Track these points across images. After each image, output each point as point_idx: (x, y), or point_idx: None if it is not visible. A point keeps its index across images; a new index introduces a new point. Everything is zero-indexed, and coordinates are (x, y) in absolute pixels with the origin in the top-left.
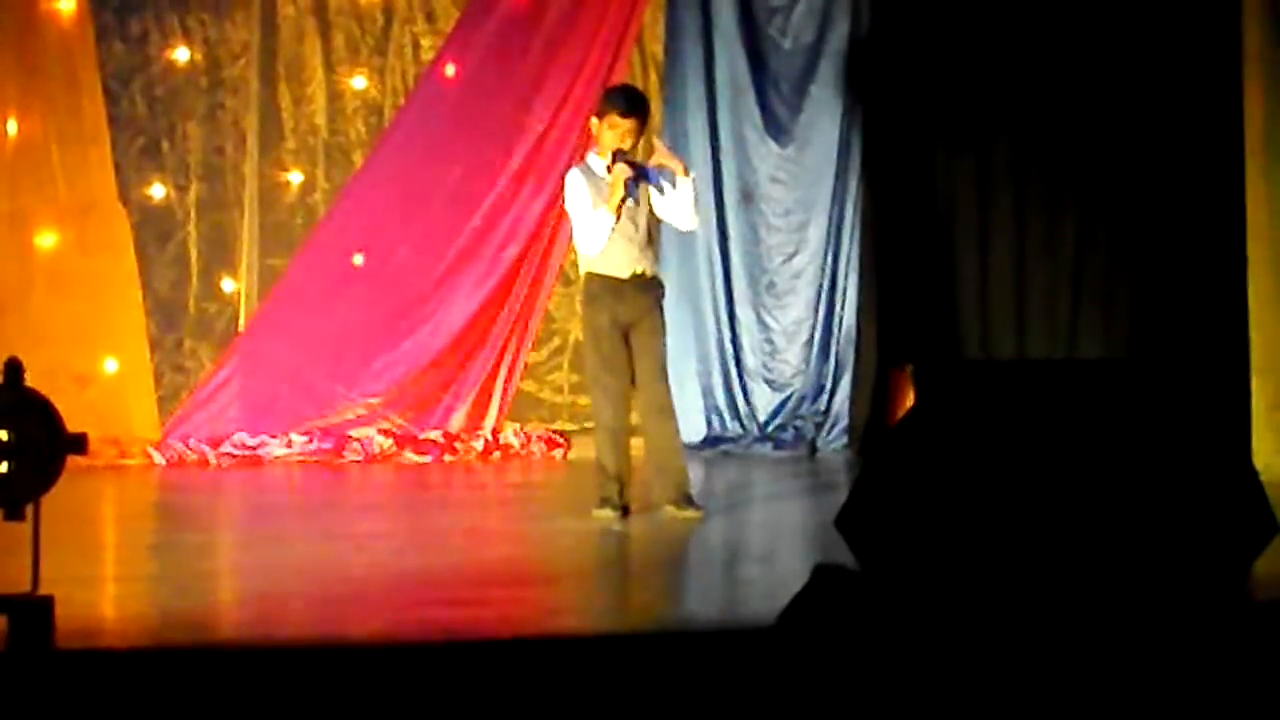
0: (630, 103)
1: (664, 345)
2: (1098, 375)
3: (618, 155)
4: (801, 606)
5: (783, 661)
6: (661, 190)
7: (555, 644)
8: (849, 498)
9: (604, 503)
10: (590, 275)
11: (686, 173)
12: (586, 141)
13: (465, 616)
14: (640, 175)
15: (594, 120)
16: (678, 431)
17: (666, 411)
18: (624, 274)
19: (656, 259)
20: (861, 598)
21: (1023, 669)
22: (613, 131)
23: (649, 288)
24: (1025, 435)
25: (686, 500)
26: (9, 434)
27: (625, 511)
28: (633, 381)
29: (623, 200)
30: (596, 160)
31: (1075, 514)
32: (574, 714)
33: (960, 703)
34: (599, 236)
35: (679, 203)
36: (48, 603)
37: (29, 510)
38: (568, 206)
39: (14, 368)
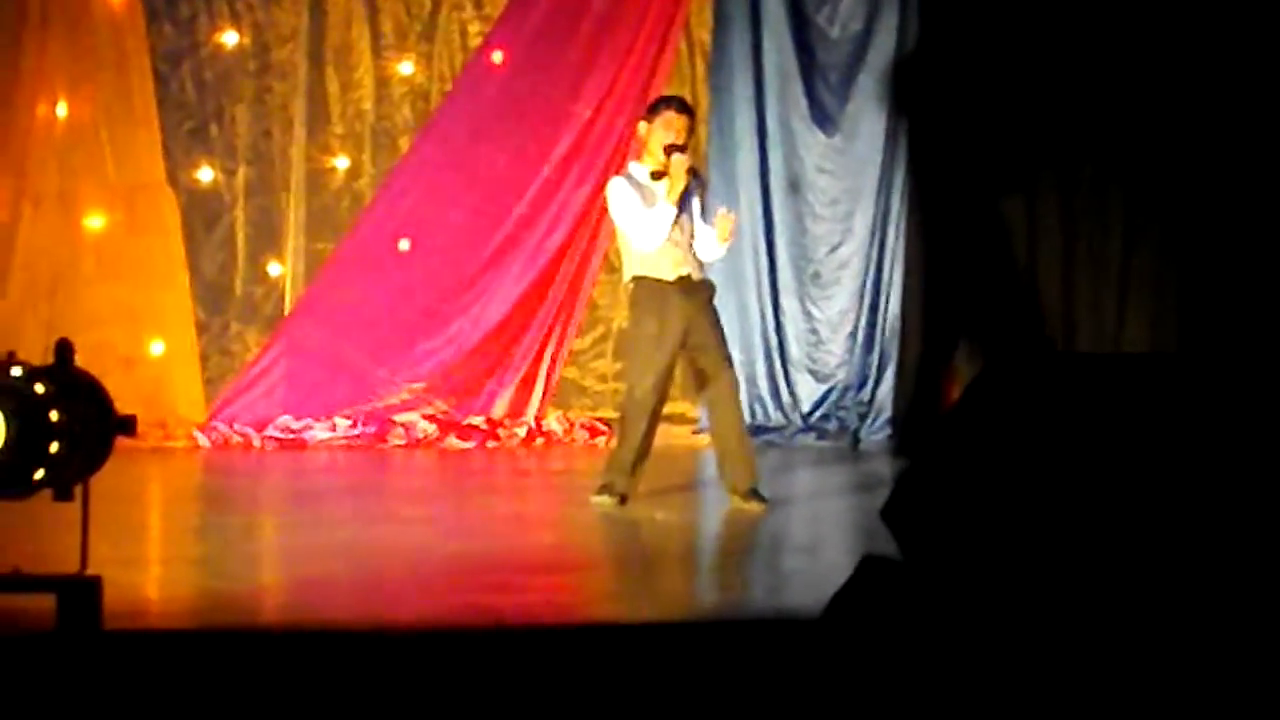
0: (683, 102)
1: (724, 337)
2: (1148, 369)
3: (673, 149)
4: (848, 598)
5: (829, 652)
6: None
7: (601, 631)
8: (895, 489)
9: (604, 489)
10: (637, 281)
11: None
12: (632, 132)
13: (511, 603)
14: (693, 173)
15: (642, 124)
16: (744, 422)
17: (736, 402)
18: (670, 276)
19: (701, 264)
20: (907, 589)
21: (1065, 664)
22: (667, 130)
23: (697, 290)
24: (1075, 429)
25: (754, 493)
26: (59, 415)
27: (623, 500)
28: (699, 377)
29: (683, 191)
30: (639, 168)
31: (1124, 509)
32: (619, 702)
33: (1004, 696)
34: (659, 229)
35: (711, 239)
36: (95, 583)
37: (77, 491)
38: (615, 211)
39: (64, 349)
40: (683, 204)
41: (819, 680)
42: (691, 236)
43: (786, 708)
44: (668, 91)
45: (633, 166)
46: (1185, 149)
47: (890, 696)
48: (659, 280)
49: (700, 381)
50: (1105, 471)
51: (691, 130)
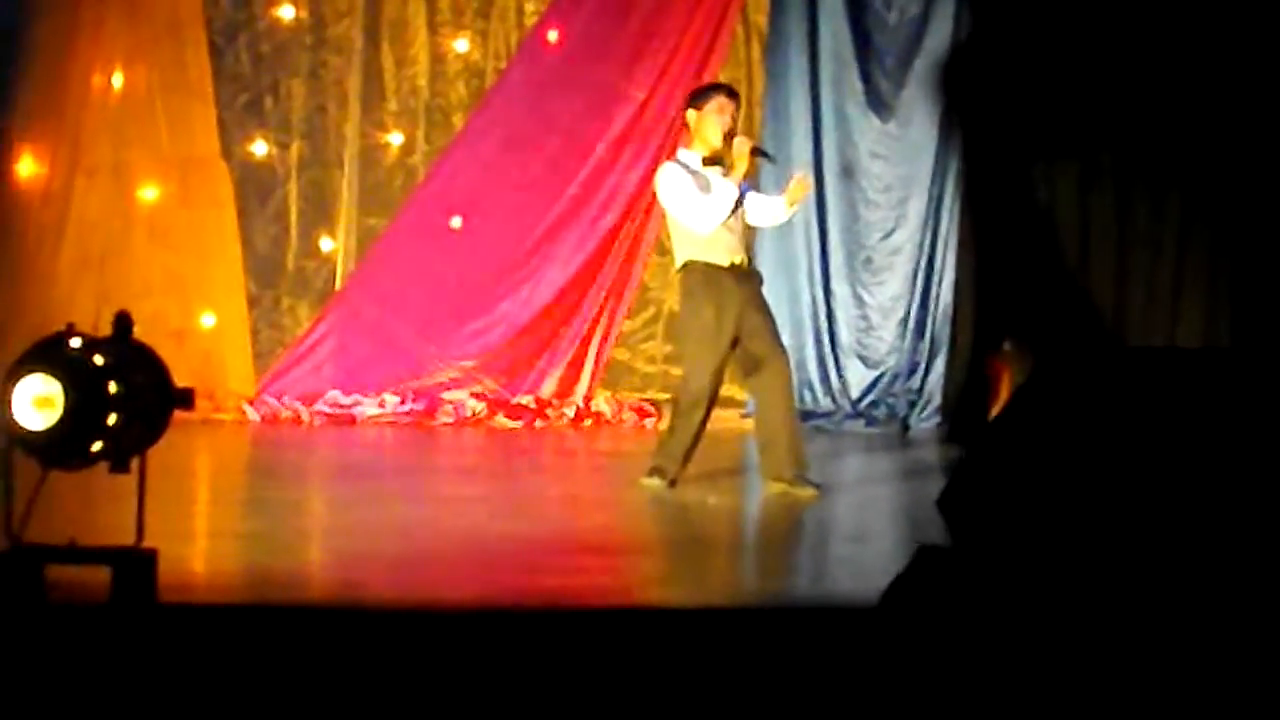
0: (731, 89)
1: (775, 322)
2: (1205, 365)
3: (732, 133)
4: (903, 588)
5: (883, 641)
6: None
7: (653, 615)
8: (951, 479)
9: (655, 472)
10: (690, 265)
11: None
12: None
13: (563, 584)
14: (757, 153)
15: (691, 113)
16: (795, 408)
17: (788, 388)
18: (724, 262)
19: (751, 253)
20: (962, 580)
21: (1119, 656)
22: (720, 115)
23: (748, 277)
24: (1133, 423)
25: (803, 479)
26: (118, 386)
27: (672, 483)
28: (750, 362)
29: (746, 174)
30: (689, 154)
31: (1179, 503)
32: (671, 685)
33: (1056, 687)
34: (721, 209)
35: (771, 203)
36: (151, 556)
37: (133, 463)
38: (667, 196)
39: (123, 321)
40: (741, 190)
41: (872, 669)
42: (745, 225)
43: (838, 696)
44: (722, 75)
45: (682, 153)
46: (1241, 141)
47: (944, 685)
48: (713, 265)
49: (751, 367)
50: (1161, 466)
51: (737, 110)
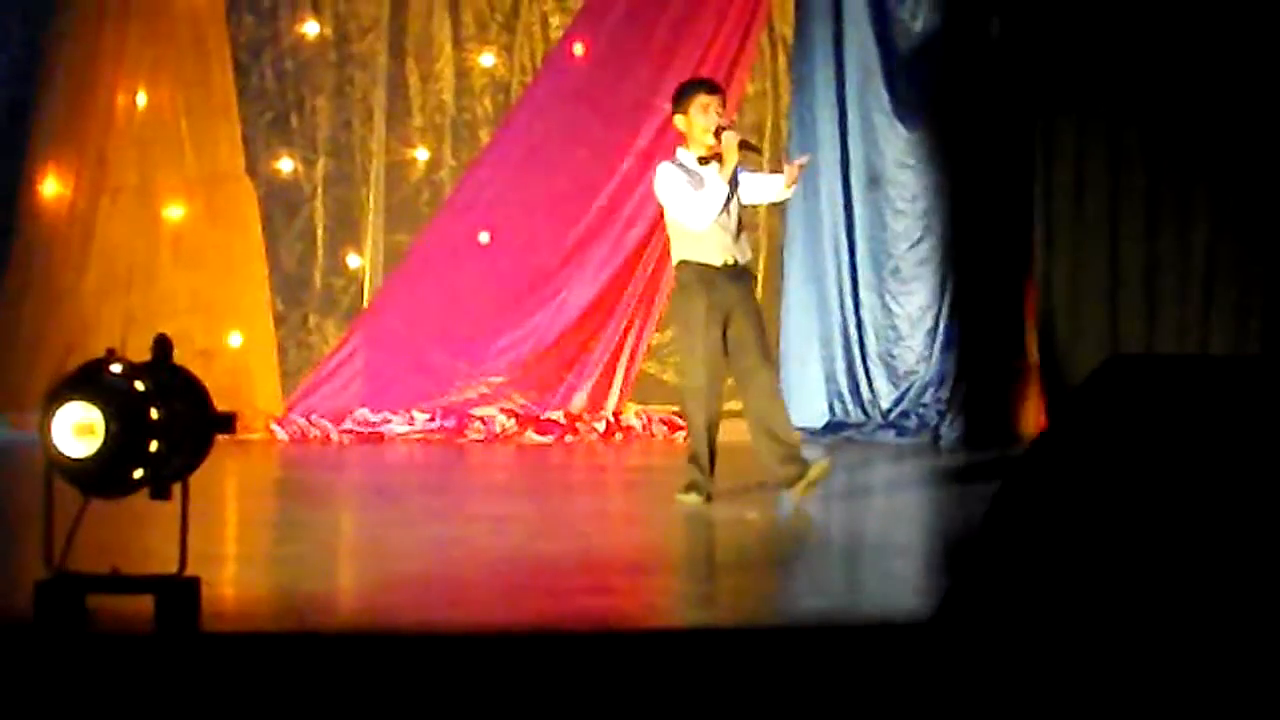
0: (711, 83)
1: (763, 328)
2: (1247, 373)
3: (721, 127)
4: (955, 603)
5: (932, 659)
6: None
7: (703, 635)
8: (997, 494)
9: (690, 488)
10: (684, 264)
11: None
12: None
13: (608, 605)
14: (745, 146)
15: (678, 118)
16: (785, 413)
17: (777, 395)
18: (718, 261)
19: (746, 250)
20: (1012, 596)
21: (1173, 670)
22: (705, 114)
23: (741, 276)
24: (1182, 433)
25: (801, 464)
26: (159, 412)
27: (709, 498)
28: (737, 372)
29: (735, 168)
30: (686, 154)
31: (1227, 514)
32: (725, 705)
33: (1106, 701)
34: (712, 206)
35: (770, 181)
36: (194, 584)
37: (174, 489)
38: (664, 194)
39: (163, 345)
40: (732, 186)
41: (917, 687)
42: (740, 224)
43: (881, 716)
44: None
45: (680, 152)
46: (1273, 142)
47: (994, 706)
48: (706, 265)
49: (738, 377)
50: (1209, 477)
51: (724, 107)
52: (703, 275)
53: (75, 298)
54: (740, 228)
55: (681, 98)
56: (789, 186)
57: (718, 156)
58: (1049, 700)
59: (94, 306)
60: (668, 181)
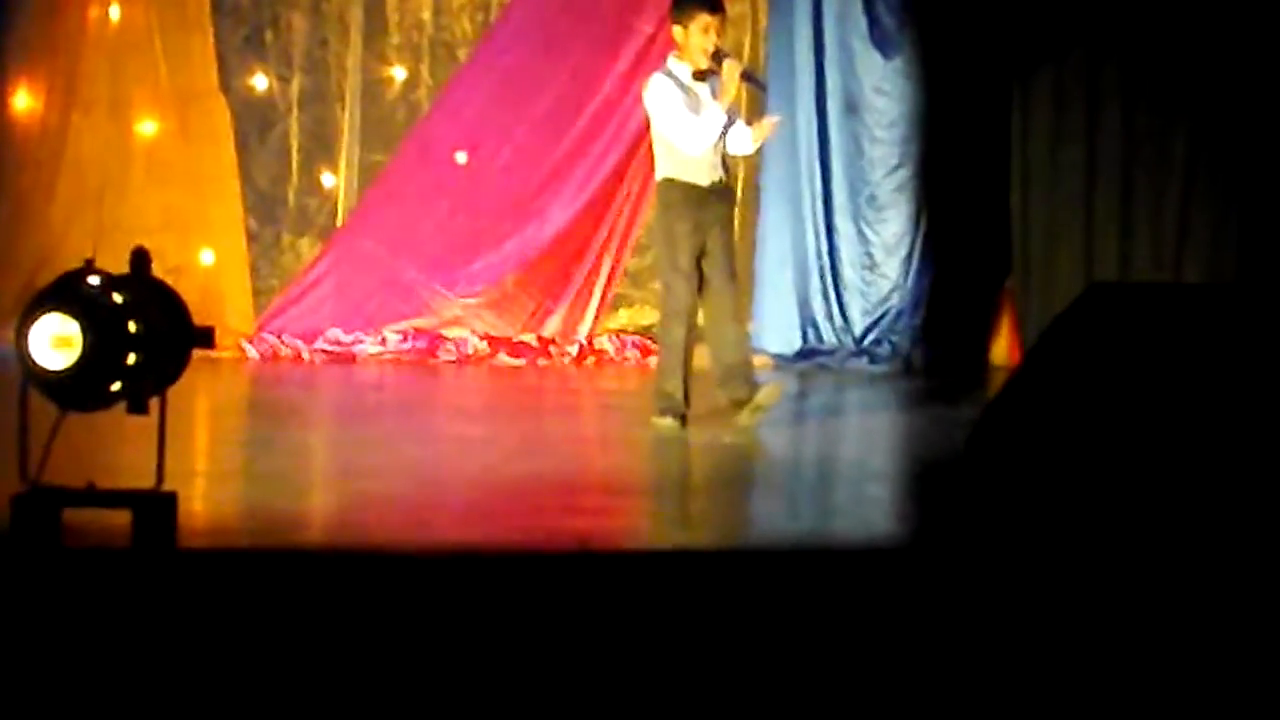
0: (713, 1)
1: (733, 250)
2: (1224, 301)
3: (721, 53)
4: (936, 528)
5: (913, 582)
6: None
7: (683, 556)
8: (980, 419)
9: (665, 411)
10: (669, 183)
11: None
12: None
13: (589, 526)
14: (747, 78)
15: (676, 29)
16: (746, 334)
17: (739, 315)
18: (705, 182)
19: (730, 169)
20: (993, 518)
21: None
22: (705, 34)
23: (725, 196)
24: (1163, 358)
25: (752, 385)
26: (138, 325)
27: (684, 421)
28: (702, 285)
29: (735, 99)
30: (679, 66)
31: (1206, 440)
32: (704, 627)
33: (1083, 625)
34: (708, 135)
35: (744, 133)
36: (171, 499)
37: (151, 404)
38: (658, 110)
39: (141, 257)
40: (729, 114)
41: (898, 609)
42: (724, 143)
43: (860, 636)
44: (729, 8)
45: (673, 64)
46: (1248, 70)
47: (971, 628)
48: (693, 185)
49: (703, 288)
50: (1187, 403)
51: (723, 29)
52: (688, 195)
53: (45, 213)
54: (727, 149)
55: (682, 9)
56: (756, 143)
57: (713, 72)
58: (1030, 625)
59: (64, 223)
60: (663, 98)
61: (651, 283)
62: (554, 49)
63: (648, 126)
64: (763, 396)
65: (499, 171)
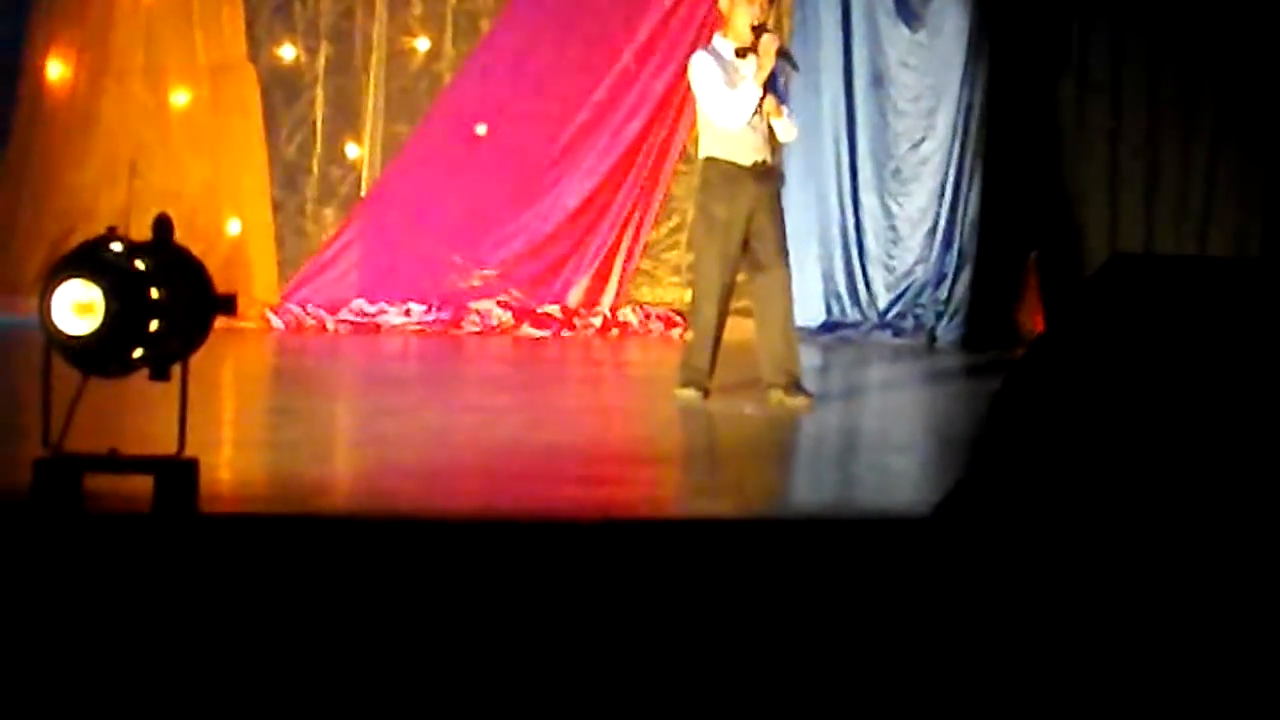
0: None
1: (784, 229)
2: (1246, 275)
3: (761, 29)
4: (958, 499)
5: (934, 552)
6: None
7: (707, 525)
8: (1004, 384)
9: (687, 383)
10: (711, 161)
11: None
12: (713, 21)
13: (611, 496)
14: (783, 55)
15: (722, 1)
16: (793, 316)
17: (786, 295)
18: (746, 161)
19: (776, 149)
20: (1015, 488)
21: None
22: (749, 6)
23: (769, 177)
24: (1185, 331)
25: (796, 387)
26: (160, 292)
27: (706, 394)
28: (753, 265)
29: (770, 73)
30: (723, 43)
31: (1229, 411)
32: (724, 596)
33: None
34: (743, 110)
35: (780, 127)
36: (193, 465)
37: (174, 370)
38: (697, 86)
39: (164, 224)
40: (768, 86)
41: (918, 580)
42: (770, 121)
43: (881, 607)
44: None
45: (718, 40)
46: (1274, 48)
47: (992, 597)
48: (734, 164)
49: (752, 271)
50: (1212, 374)
51: (773, 4)
52: (728, 175)
53: (76, 181)
54: (771, 129)
55: None
56: (761, 71)
57: (754, 48)
58: (1050, 596)
59: (93, 191)
60: (702, 73)
61: (668, 253)
62: (574, 20)
63: (668, 98)
64: (795, 399)
65: (519, 142)
